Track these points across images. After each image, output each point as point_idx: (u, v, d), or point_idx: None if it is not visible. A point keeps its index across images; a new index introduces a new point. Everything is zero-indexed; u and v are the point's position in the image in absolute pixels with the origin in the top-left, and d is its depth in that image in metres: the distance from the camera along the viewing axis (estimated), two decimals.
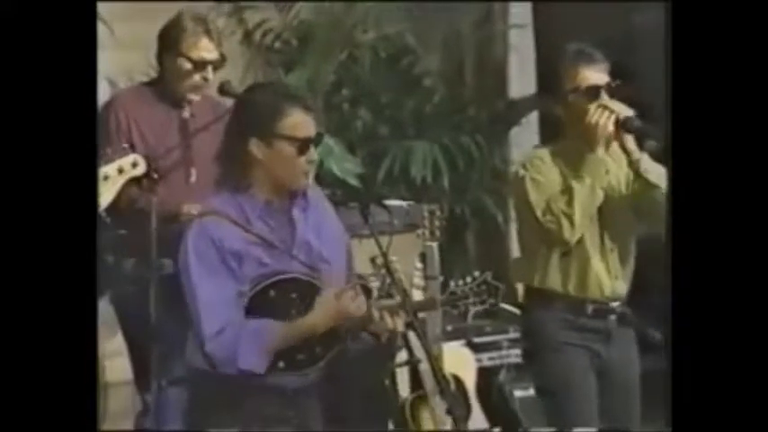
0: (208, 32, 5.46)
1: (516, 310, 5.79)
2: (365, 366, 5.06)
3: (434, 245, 5.93)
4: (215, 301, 4.09)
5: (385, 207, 5.81)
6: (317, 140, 4.25)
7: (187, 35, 5.42)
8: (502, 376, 6.59)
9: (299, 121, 4.19)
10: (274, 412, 4.22)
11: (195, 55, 5.41)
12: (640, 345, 5.10)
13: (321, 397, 4.33)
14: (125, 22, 6.28)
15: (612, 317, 4.99)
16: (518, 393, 6.50)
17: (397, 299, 4.44)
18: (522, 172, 4.96)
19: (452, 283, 5.44)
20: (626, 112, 4.81)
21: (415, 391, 5.94)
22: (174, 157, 5.35)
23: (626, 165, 4.92)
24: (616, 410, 5.04)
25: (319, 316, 4.14)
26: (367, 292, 4.46)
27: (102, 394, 6.30)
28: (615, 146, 4.89)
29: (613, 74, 4.92)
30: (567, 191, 4.83)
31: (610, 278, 4.99)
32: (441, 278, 5.91)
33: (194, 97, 5.43)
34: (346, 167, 6.75)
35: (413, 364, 5.79)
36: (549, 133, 5.36)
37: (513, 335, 6.43)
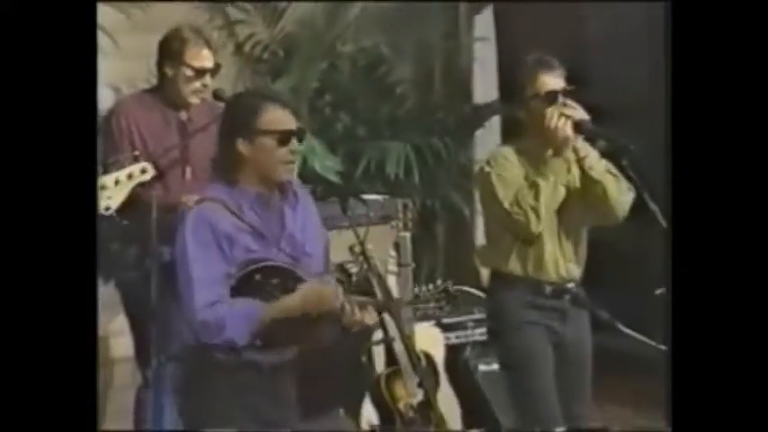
0: (207, 43, 5.48)
1: (481, 293, 5.81)
2: (343, 345, 5.05)
3: (407, 235, 5.94)
4: (208, 276, 4.07)
5: (362, 201, 5.87)
6: (299, 134, 4.24)
7: (189, 45, 5.42)
8: (467, 353, 6.56)
9: (277, 117, 4.18)
10: (250, 384, 4.19)
11: (197, 63, 5.42)
12: (592, 323, 5.09)
13: (297, 372, 4.32)
14: (127, 34, 6.27)
15: (567, 297, 4.99)
16: (482, 368, 6.47)
17: (369, 294, 4.44)
18: (487, 168, 4.97)
19: (417, 289, 5.48)
20: (581, 114, 4.83)
21: (389, 366, 5.91)
22: (172, 156, 5.35)
23: (575, 162, 4.93)
24: (571, 382, 5.03)
25: (297, 300, 4.12)
26: (342, 285, 4.46)
27: (108, 369, 6.32)
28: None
29: (569, 79, 4.92)
30: (534, 187, 4.84)
31: (564, 262, 4.99)
32: (413, 265, 5.93)
33: (195, 101, 5.43)
34: (327, 165, 6.75)
35: (387, 342, 5.78)
36: (511, 134, 5.37)
37: (478, 315, 6.40)
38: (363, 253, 4.94)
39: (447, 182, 7.47)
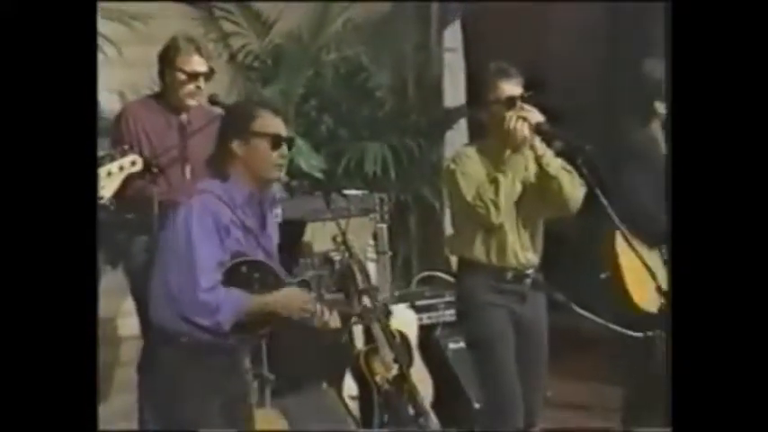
0: (198, 49, 5.50)
1: (450, 278, 5.83)
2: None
3: (384, 226, 5.98)
4: (210, 261, 4.03)
5: (344, 196, 5.89)
6: (288, 141, 4.25)
7: (182, 53, 5.44)
8: (438, 332, 6.55)
9: (270, 122, 4.18)
10: (228, 363, 4.19)
11: (188, 68, 5.44)
12: (548, 305, 5.12)
13: (285, 351, 4.31)
14: (131, 45, 6.27)
15: (527, 281, 5.01)
16: (451, 346, 6.46)
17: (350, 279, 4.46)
18: (452, 166, 4.98)
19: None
20: (537, 117, 4.83)
21: (368, 344, 5.92)
22: (172, 155, 5.37)
23: (533, 160, 4.94)
24: (529, 357, 5.04)
25: (280, 300, 4.13)
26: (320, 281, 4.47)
27: (116, 347, 6.32)
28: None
29: (527, 86, 4.93)
30: (494, 182, 4.84)
31: (523, 250, 5.00)
32: (389, 253, 5.95)
33: (192, 102, 5.44)
34: (312, 163, 6.75)
35: (366, 323, 5.81)
36: (477, 135, 5.39)
37: (448, 298, 6.41)
38: (345, 242, 4.96)
39: (420, 178, 7.47)
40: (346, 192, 6.19)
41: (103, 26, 5.99)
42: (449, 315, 6.46)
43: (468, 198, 4.88)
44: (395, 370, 5.77)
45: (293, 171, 6.46)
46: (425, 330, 6.48)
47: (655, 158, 5.35)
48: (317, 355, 5.81)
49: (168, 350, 4.13)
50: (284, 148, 4.21)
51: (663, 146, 5.41)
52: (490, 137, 4.98)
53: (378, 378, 5.86)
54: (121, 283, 5.69)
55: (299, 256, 5.89)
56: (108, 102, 6.04)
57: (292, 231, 5.73)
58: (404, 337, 6.20)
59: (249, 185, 4.19)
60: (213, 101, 5.35)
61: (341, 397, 5.88)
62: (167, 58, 5.48)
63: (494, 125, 4.91)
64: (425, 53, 7.91)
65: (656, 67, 5.28)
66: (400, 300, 6.47)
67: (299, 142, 6.67)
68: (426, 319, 6.56)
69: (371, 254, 5.88)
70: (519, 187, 4.92)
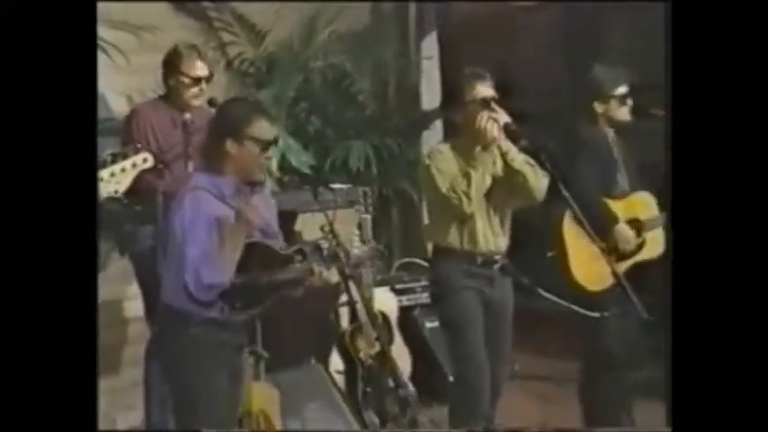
0: (200, 55, 5.52)
1: (426, 264, 5.84)
2: (313, 305, 5.07)
3: (368, 217, 5.97)
4: (212, 247, 4.04)
5: (331, 189, 5.91)
6: (275, 143, 4.27)
7: (185, 59, 5.46)
8: (416, 312, 6.58)
9: (263, 128, 4.18)
10: (226, 339, 4.18)
11: (192, 72, 5.45)
12: (515, 288, 5.13)
13: (277, 329, 4.32)
14: (137, 53, 6.26)
15: (496, 266, 5.02)
16: (428, 325, 6.49)
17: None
18: (428, 162, 4.99)
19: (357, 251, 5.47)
20: (505, 118, 4.84)
21: (352, 323, 5.93)
22: (177, 151, 5.38)
23: (500, 156, 4.96)
24: (497, 335, 5.05)
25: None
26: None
27: (123, 327, 6.32)
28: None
29: (497, 89, 4.93)
30: (466, 176, 4.86)
31: (493, 237, 5.01)
32: (373, 241, 5.96)
33: (196, 103, 5.46)
34: (302, 160, 6.74)
35: (351, 304, 5.79)
36: (450, 135, 5.40)
37: (425, 282, 6.44)
38: (332, 232, 4.94)
39: (399, 173, 7.46)
40: (333, 186, 6.22)
41: (112, 36, 6.00)
42: (425, 297, 6.48)
43: (443, 190, 4.89)
44: (377, 347, 5.76)
45: (285, 167, 6.50)
46: (404, 311, 6.51)
47: (602, 152, 5.33)
48: (306, 334, 5.81)
49: (180, 328, 4.11)
50: (270, 150, 4.22)
51: (611, 140, 5.38)
52: (462, 135, 4.99)
53: (362, 354, 5.87)
54: (128, 269, 5.70)
55: (291, 243, 5.89)
56: (117, 104, 6.08)
57: (284, 222, 5.73)
58: (385, 318, 6.22)
59: (236, 180, 4.18)
60: (212, 103, 5.36)
61: (328, 371, 5.87)
62: (172, 64, 5.49)
63: (466, 125, 4.92)
64: (404, 61, 7.92)
65: (602, 73, 5.33)
66: (382, 283, 6.48)
67: (290, 141, 6.68)
68: (405, 300, 6.58)
69: (357, 242, 5.87)
70: (488, 180, 4.94)
